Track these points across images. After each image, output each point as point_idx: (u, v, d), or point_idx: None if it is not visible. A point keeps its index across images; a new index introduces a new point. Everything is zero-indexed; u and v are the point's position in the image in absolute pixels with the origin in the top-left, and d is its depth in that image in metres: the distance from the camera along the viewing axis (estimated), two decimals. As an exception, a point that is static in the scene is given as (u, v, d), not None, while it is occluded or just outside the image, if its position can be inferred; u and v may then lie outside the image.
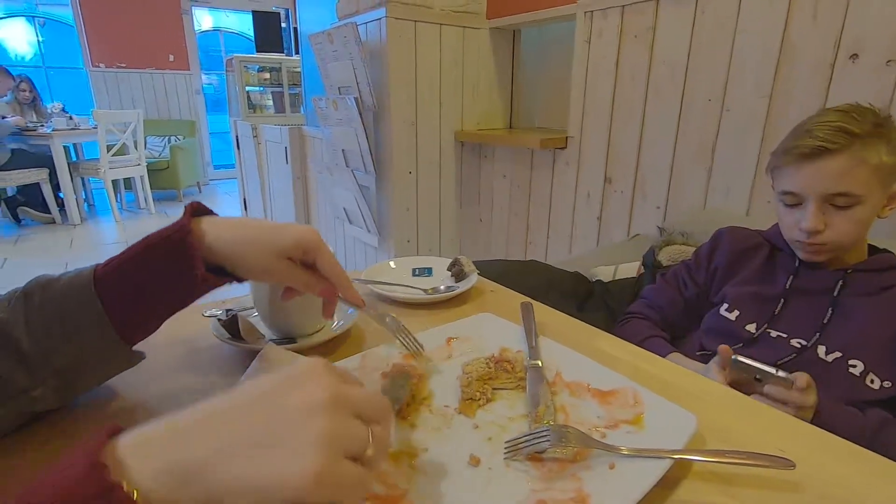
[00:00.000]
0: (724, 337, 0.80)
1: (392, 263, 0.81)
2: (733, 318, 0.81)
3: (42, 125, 3.99)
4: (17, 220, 4.04)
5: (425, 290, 0.72)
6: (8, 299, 0.42)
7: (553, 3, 1.71)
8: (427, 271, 0.80)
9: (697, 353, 0.83)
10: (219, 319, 0.56)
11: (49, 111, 4.27)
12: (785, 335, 0.76)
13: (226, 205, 4.90)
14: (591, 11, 1.59)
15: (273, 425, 0.25)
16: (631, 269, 1.21)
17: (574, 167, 1.75)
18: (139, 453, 0.24)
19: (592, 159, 1.69)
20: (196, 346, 0.57)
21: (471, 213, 2.21)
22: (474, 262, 0.78)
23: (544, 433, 0.38)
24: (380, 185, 2.03)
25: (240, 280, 0.47)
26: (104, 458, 0.23)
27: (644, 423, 0.41)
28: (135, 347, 0.45)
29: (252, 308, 0.61)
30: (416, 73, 1.87)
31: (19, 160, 3.69)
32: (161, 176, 4.79)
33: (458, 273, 0.76)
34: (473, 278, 0.73)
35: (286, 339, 0.57)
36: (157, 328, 0.45)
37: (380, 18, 1.80)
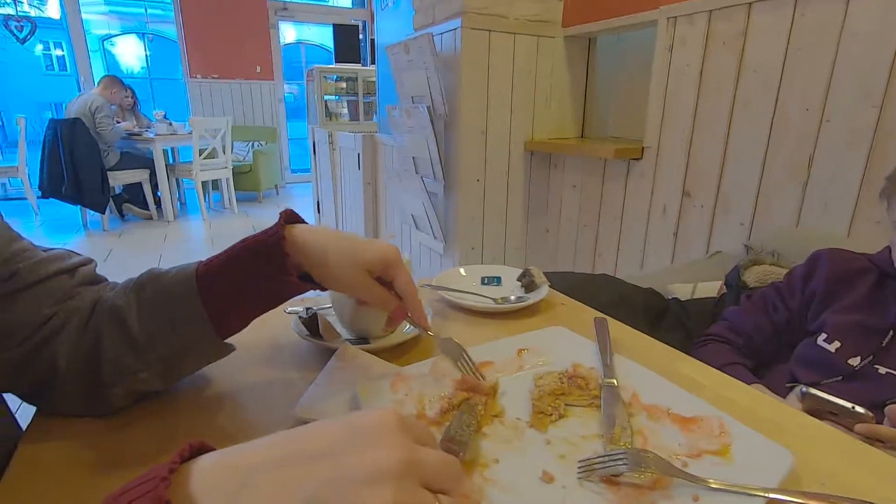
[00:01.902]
0: (820, 369, 0.73)
1: (462, 271, 0.81)
2: (833, 350, 0.74)
3: (146, 130, 4.41)
4: (122, 215, 4.49)
5: (495, 300, 0.72)
6: (124, 288, 0.47)
7: (632, 10, 1.66)
8: (496, 280, 0.80)
9: (787, 386, 0.76)
10: (300, 317, 0.59)
11: (153, 118, 4.72)
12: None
13: (300, 207, 5.11)
14: (675, 17, 1.52)
15: (336, 486, 0.22)
16: (711, 288, 1.14)
17: (650, 179, 1.68)
18: (205, 489, 0.23)
19: (670, 171, 1.61)
20: (278, 342, 0.60)
21: (537, 224, 2.18)
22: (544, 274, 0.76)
23: (621, 456, 0.37)
24: (448, 192, 2.06)
25: (322, 288, 0.49)
26: (168, 492, 0.22)
27: (732, 455, 0.39)
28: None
29: (330, 307, 0.63)
30: (488, 82, 1.88)
31: (126, 161, 4.10)
32: (244, 178, 5.13)
33: (528, 284, 0.75)
34: (544, 290, 0.72)
35: (361, 339, 0.59)
36: (249, 323, 0.49)
37: (455, 29, 1.83)
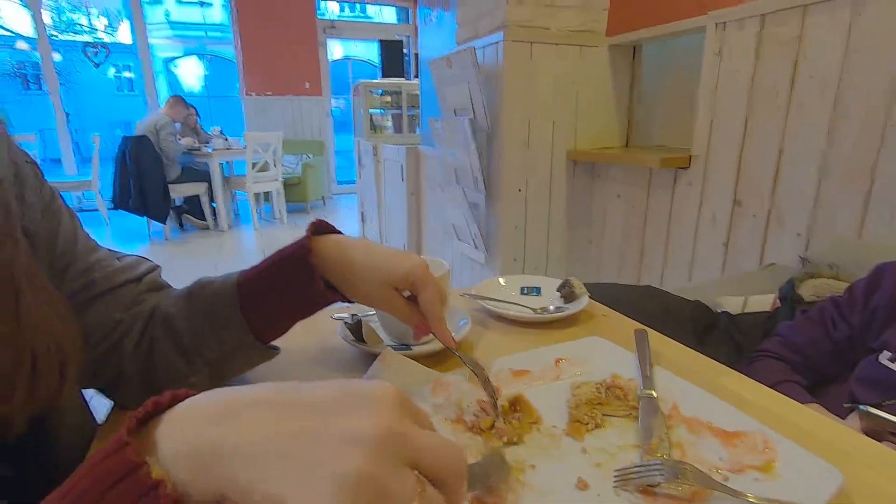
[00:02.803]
0: (883, 389, 0.69)
1: (501, 280, 0.82)
2: (896, 368, 0.69)
3: (204, 145, 4.69)
4: (181, 225, 4.78)
5: (534, 310, 0.72)
6: (176, 296, 0.51)
7: (679, 17, 1.63)
8: (535, 290, 0.80)
9: (845, 406, 0.72)
10: (345, 322, 0.62)
11: (210, 134, 5.01)
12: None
13: (345, 217, 5.30)
14: (724, 23, 1.48)
15: (310, 442, 0.21)
16: (764, 301, 1.09)
17: (698, 188, 1.63)
18: (176, 429, 0.23)
19: (720, 180, 1.56)
20: (325, 346, 0.63)
21: (580, 234, 2.15)
22: (584, 285, 0.76)
23: (657, 466, 0.37)
24: (489, 202, 2.07)
25: (348, 300, 0.50)
26: (132, 436, 0.22)
27: (776, 471, 0.38)
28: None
29: (374, 314, 0.66)
30: (530, 93, 1.89)
31: (186, 175, 4.37)
32: (293, 190, 5.34)
33: (567, 294, 0.75)
34: (584, 301, 0.72)
35: (403, 345, 0.61)
36: (287, 330, 0.51)
37: (497, 42, 1.85)
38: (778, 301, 1.07)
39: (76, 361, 0.40)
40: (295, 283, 0.47)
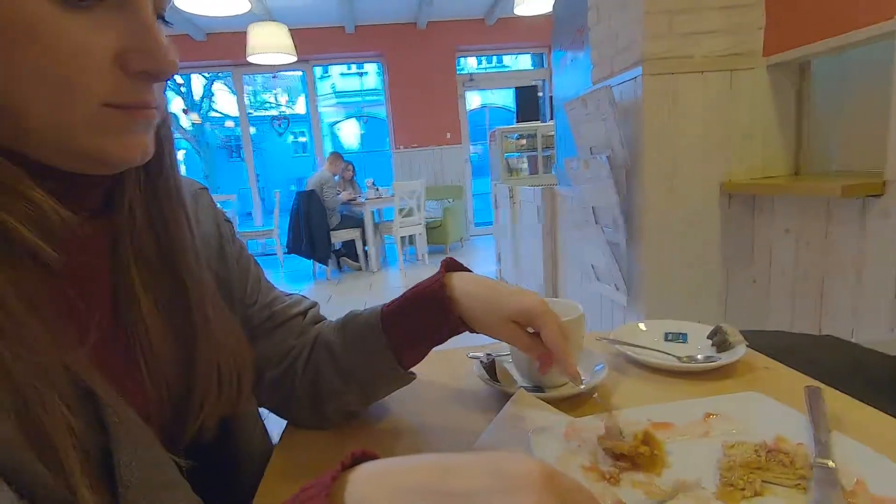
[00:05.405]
0: None
1: (642, 325, 0.78)
2: None
3: (359, 196, 5.29)
4: (340, 267, 5.40)
5: (679, 358, 0.67)
6: (333, 327, 0.60)
7: (856, 25, 1.42)
8: (682, 337, 0.75)
9: None
10: (481, 362, 0.64)
11: (364, 185, 5.64)
12: None
13: (482, 258, 5.45)
14: (920, 25, 1.26)
15: None
16: None
17: (896, 219, 1.36)
18: (356, 501, 0.25)
19: (928, 209, 1.28)
20: (462, 383, 0.67)
21: (740, 275, 1.92)
22: (745, 332, 0.69)
23: (836, 551, 0.32)
24: (630, 242, 1.97)
25: (474, 331, 0.54)
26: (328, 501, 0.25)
27: None
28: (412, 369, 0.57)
29: (508, 354, 0.68)
30: (674, 125, 1.79)
31: (345, 222, 4.98)
32: (434, 233, 5.68)
33: (720, 343, 0.68)
34: (741, 350, 0.65)
35: (536, 387, 0.62)
36: (424, 356, 0.56)
37: (635, 77, 1.81)
38: None
39: (249, 375, 0.49)
40: (431, 314, 0.53)
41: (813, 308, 1.65)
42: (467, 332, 0.54)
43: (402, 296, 0.55)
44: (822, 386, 0.55)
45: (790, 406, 0.50)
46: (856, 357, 0.94)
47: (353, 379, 0.56)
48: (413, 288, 0.54)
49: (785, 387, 0.58)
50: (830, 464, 0.41)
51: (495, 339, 0.54)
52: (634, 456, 0.44)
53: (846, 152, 1.74)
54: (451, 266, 0.56)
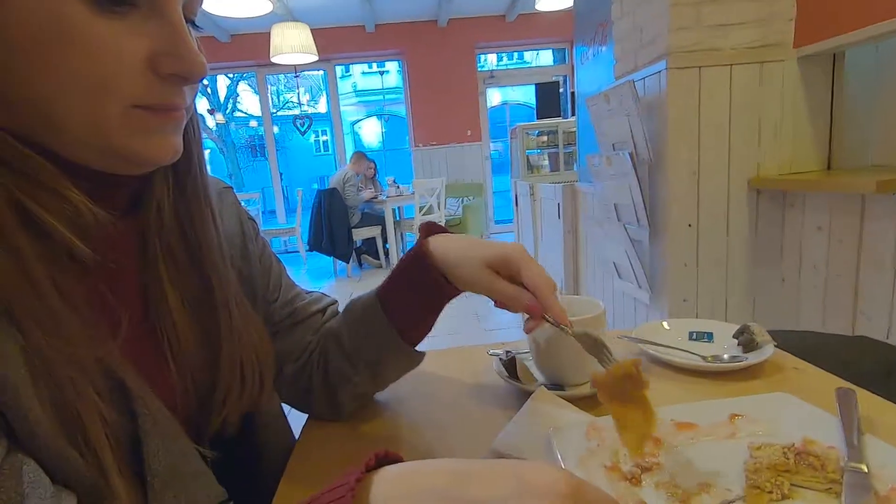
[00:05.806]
0: None
1: (665, 324, 0.77)
2: None
3: (380, 194, 5.32)
4: (360, 264, 5.44)
5: (704, 357, 0.66)
6: (338, 315, 0.61)
7: (893, 14, 1.36)
8: (707, 336, 0.73)
9: None
10: (500, 359, 0.64)
11: (385, 183, 5.67)
12: None
13: (503, 255, 5.42)
14: (964, 12, 1.20)
15: None
16: None
17: (936, 216, 1.30)
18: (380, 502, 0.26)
19: (971, 204, 1.22)
20: (481, 380, 0.66)
21: (768, 273, 1.86)
22: (773, 332, 0.67)
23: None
24: (654, 239, 1.93)
25: (458, 291, 0.53)
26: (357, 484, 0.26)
27: None
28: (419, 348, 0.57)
29: (528, 352, 0.67)
30: (699, 120, 1.75)
31: (366, 220, 5.02)
32: (453, 230, 5.59)
33: (746, 342, 0.66)
34: (768, 350, 0.63)
35: (555, 385, 0.61)
36: (428, 330, 0.57)
37: (659, 71, 1.77)
38: None
39: (270, 370, 0.50)
40: (417, 281, 0.54)
41: (846, 308, 1.60)
42: (455, 294, 0.54)
43: (392, 270, 0.57)
44: (856, 388, 0.53)
45: (821, 408, 0.48)
46: (891, 359, 0.90)
47: (360, 360, 0.56)
48: (400, 259, 0.56)
49: (815, 388, 0.57)
50: (863, 468, 0.39)
51: (477, 292, 0.52)
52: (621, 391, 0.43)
53: (882, 146, 1.68)
54: (432, 230, 0.56)
